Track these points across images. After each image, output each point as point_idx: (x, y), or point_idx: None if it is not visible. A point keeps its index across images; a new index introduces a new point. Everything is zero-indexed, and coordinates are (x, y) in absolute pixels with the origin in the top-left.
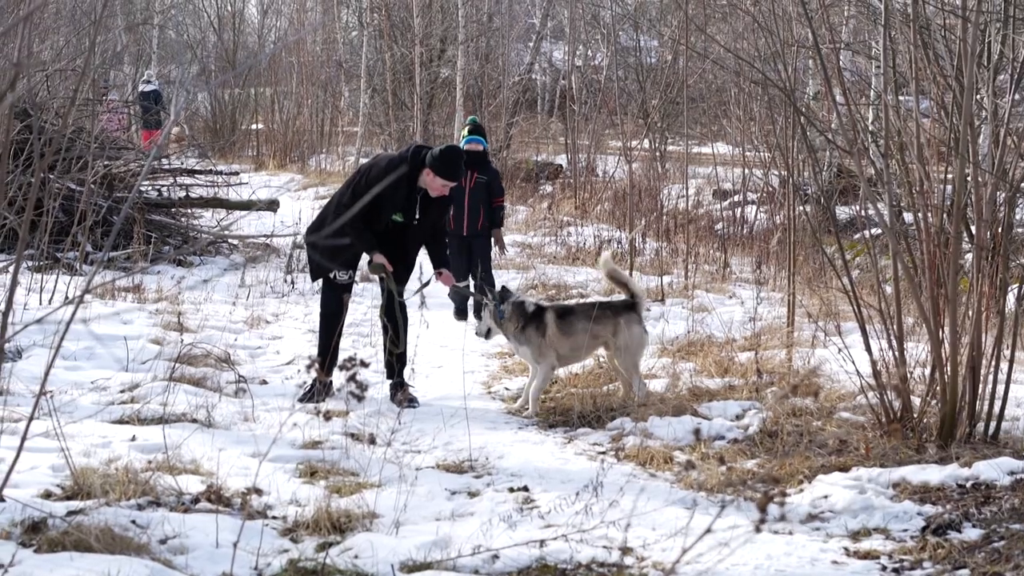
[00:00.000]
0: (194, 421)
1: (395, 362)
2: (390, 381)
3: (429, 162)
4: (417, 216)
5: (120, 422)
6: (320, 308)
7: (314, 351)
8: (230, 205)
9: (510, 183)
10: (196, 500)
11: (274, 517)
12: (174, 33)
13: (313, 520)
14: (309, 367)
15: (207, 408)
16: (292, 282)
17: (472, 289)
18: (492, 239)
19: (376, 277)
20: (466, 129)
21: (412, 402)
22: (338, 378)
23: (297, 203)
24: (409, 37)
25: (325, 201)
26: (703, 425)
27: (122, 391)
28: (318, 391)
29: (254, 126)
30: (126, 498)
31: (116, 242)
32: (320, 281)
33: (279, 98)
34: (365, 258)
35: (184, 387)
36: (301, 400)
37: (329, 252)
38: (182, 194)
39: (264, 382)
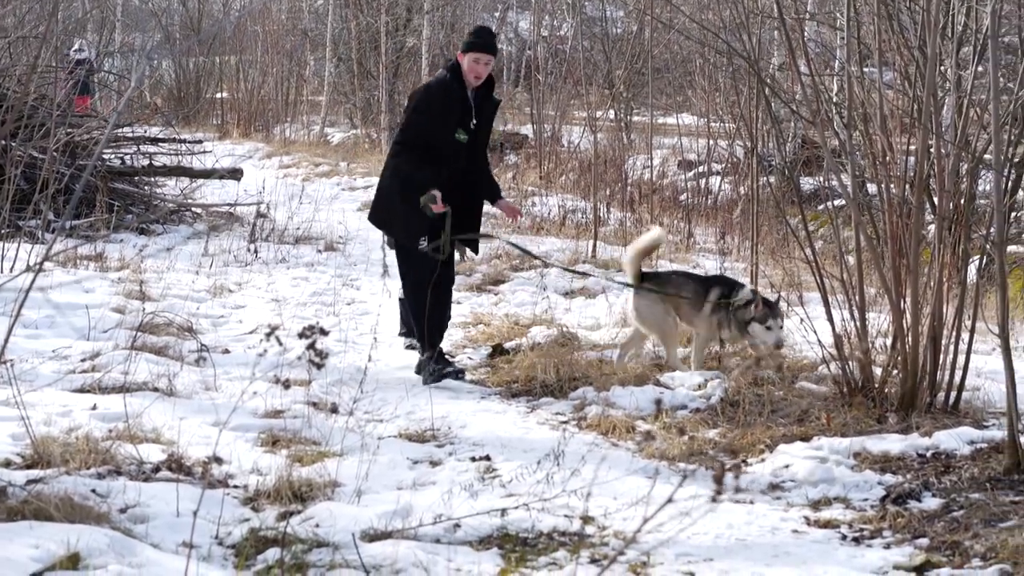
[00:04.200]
0: (155, 390)
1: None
2: (434, 351)
3: (463, 48)
4: (473, 124)
5: (81, 391)
6: (402, 283)
7: (275, 320)
8: (193, 174)
9: None
10: (157, 469)
11: (235, 486)
12: (139, 0)
13: (274, 489)
14: (268, 335)
15: (169, 377)
16: (256, 251)
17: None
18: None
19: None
20: None
21: (459, 374)
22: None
23: (261, 172)
24: (375, 6)
25: (289, 170)
26: (665, 395)
27: (83, 360)
28: (435, 370)
29: (218, 95)
30: (86, 467)
31: (79, 210)
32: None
33: (244, 67)
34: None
35: (146, 356)
36: (428, 381)
37: (400, 220)
38: (145, 162)
39: (226, 351)
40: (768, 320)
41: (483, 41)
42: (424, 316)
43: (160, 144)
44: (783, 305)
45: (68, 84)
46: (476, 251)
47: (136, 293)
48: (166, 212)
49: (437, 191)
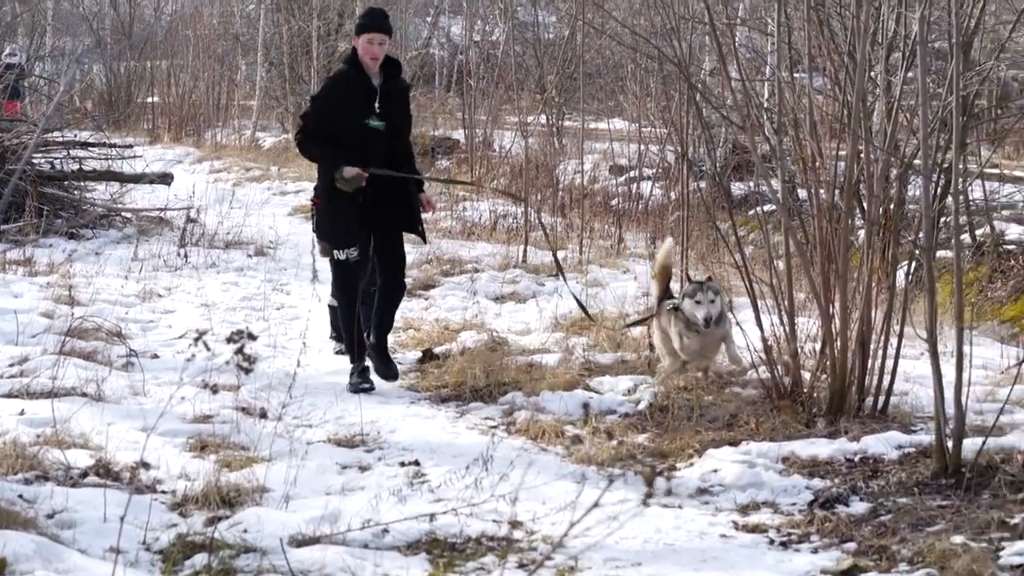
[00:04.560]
0: (84, 395)
1: (385, 328)
2: (360, 364)
3: (355, 31)
4: (378, 108)
5: (8, 396)
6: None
7: (204, 324)
8: (123, 178)
9: None
10: (84, 474)
11: (163, 491)
12: (70, 4)
13: (202, 494)
14: (196, 340)
15: (97, 382)
16: (185, 256)
17: None
18: None
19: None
20: None
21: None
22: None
23: (192, 176)
24: (307, 10)
25: (220, 174)
26: (594, 400)
27: (11, 365)
28: (357, 380)
29: (150, 99)
30: (13, 472)
31: (7, 215)
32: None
33: (175, 71)
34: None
35: (74, 361)
36: (353, 391)
37: (325, 226)
38: (75, 167)
39: (155, 356)
40: (697, 294)
41: (375, 22)
42: (352, 325)
43: (90, 148)
44: (717, 283)
45: None
46: (424, 239)
47: (65, 298)
48: (96, 216)
49: (353, 169)
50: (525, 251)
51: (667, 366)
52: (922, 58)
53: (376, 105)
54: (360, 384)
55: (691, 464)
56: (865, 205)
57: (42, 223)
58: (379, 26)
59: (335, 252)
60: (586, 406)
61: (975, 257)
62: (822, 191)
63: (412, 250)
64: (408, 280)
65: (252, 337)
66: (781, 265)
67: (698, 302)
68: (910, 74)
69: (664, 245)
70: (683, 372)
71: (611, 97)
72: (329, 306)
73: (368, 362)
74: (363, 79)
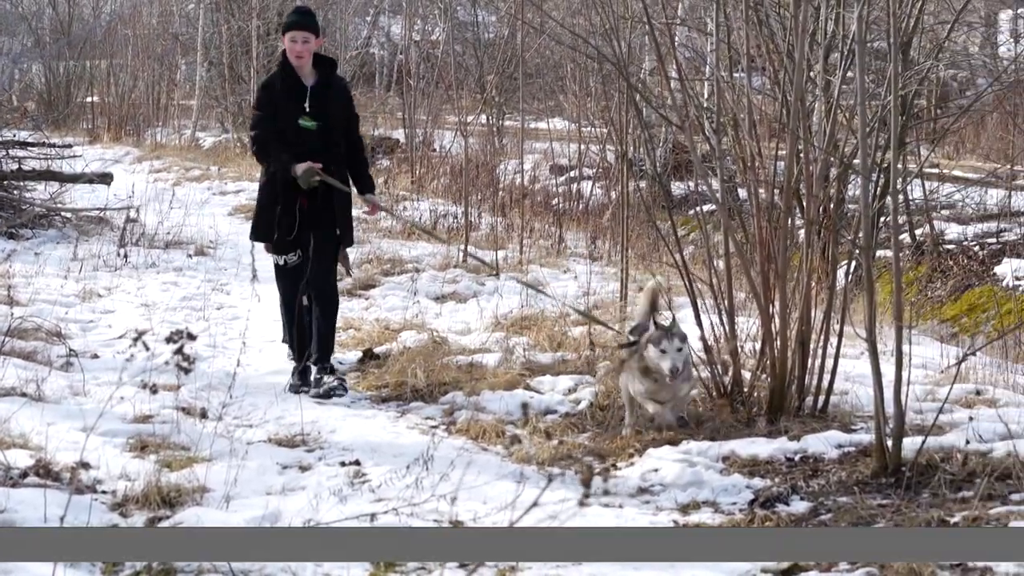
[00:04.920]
0: (23, 395)
1: (318, 341)
2: (300, 365)
3: (281, 31)
4: (308, 108)
5: None
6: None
7: (144, 324)
8: (63, 178)
9: None
10: (24, 475)
11: (103, 492)
12: (9, 3)
13: (143, 494)
14: (136, 340)
15: (37, 382)
16: (125, 255)
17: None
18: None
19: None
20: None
21: (340, 388)
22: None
23: (132, 176)
24: (246, 10)
25: (160, 174)
26: (534, 399)
27: None
28: (297, 382)
29: (89, 99)
30: None
31: None
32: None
33: (114, 71)
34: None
35: (13, 361)
36: (292, 390)
37: (262, 233)
38: (14, 166)
39: (95, 356)
40: (663, 342)
41: (297, 20)
42: (292, 327)
43: (29, 148)
44: (683, 328)
45: None
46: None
47: (3, 297)
48: (35, 216)
49: (306, 164)
50: (466, 251)
51: (628, 420)
52: (860, 58)
53: (306, 105)
54: (300, 386)
55: (631, 463)
56: (805, 204)
57: None
58: (301, 24)
59: (274, 257)
60: (525, 406)
61: (915, 257)
62: (762, 191)
63: (352, 250)
64: (348, 281)
65: (192, 337)
66: (721, 264)
67: (663, 351)
68: (849, 74)
69: (648, 286)
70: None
71: (551, 97)
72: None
73: (311, 364)
74: (293, 80)
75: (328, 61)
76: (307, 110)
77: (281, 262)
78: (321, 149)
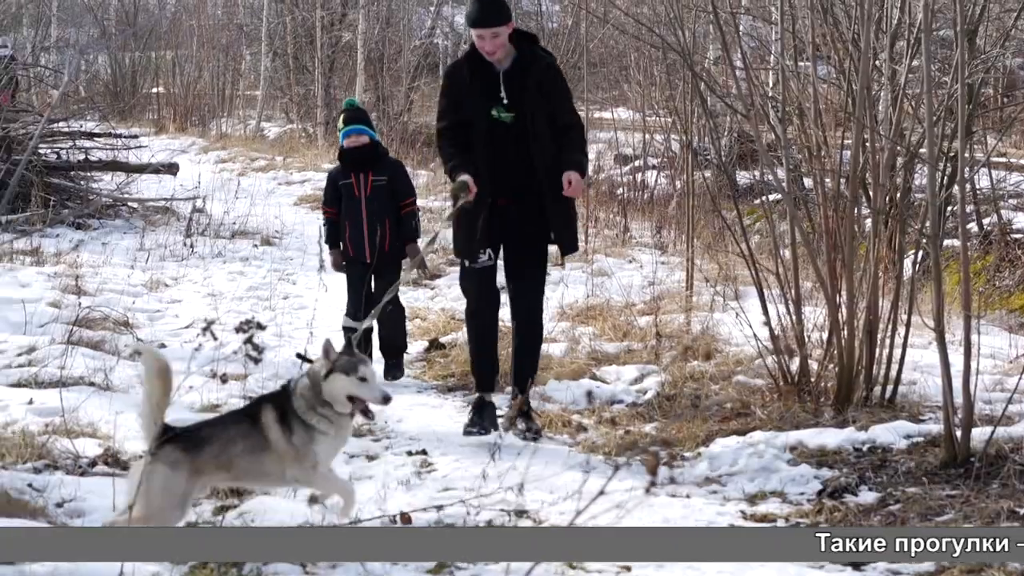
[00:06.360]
0: (92, 384)
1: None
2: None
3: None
4: (505, 100)
5: (17, 385)
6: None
7: (211, 314)
8: (129, 168)
9: (410, 148)
10: (93, 463)
11: None
12: None
13: None
14: (204, 329)
15: (105, 371)
16: (191, 245)
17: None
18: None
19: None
20: (342, 117)
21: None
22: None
23: (197, 166)
24: (310, 1)
25: (226, 164)
26: (601, 389)
27: (19, 354)
28: (476, 419)
29: (154, 90)
30: (22, 461)
31: (14, 205)
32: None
33: (180, 62)
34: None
35: (82, 350)
36: (467, 433)
37: (454, 229)
38: (81, 157)
39: (163, 345)
40: (360, 367)
41: (478, 15)
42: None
43: (96, 139)
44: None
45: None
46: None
47: (72, 288)
48: (102, 206)
49: (467, 176)
50: None
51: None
52: (926, 46)
53: (502, 96)
54: (481, 424)
55: (698, 453)
56: (871, 194)
57: (48, 213)
58: (482, 19)
59: (464, 261)
60: (591, 394)
61: (982, 246)
62: (828, 180)
63: (423, 240)
64: (414, 271)
65: (261, 327)
66: (787, 254)
67: (363, 378)
68: (915, 62)
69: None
70: None
71: (615, 86)
72: (344, 328)
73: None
74: (480, 68)
75: (529, 37)
76: (504, 101)
77: (466, 263)
78: (518, 145)
